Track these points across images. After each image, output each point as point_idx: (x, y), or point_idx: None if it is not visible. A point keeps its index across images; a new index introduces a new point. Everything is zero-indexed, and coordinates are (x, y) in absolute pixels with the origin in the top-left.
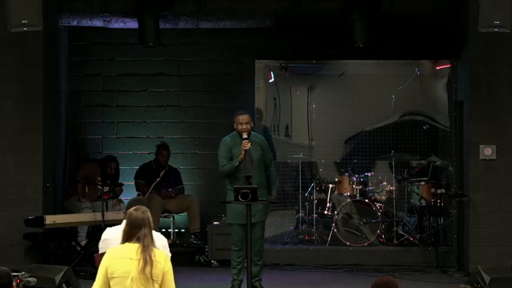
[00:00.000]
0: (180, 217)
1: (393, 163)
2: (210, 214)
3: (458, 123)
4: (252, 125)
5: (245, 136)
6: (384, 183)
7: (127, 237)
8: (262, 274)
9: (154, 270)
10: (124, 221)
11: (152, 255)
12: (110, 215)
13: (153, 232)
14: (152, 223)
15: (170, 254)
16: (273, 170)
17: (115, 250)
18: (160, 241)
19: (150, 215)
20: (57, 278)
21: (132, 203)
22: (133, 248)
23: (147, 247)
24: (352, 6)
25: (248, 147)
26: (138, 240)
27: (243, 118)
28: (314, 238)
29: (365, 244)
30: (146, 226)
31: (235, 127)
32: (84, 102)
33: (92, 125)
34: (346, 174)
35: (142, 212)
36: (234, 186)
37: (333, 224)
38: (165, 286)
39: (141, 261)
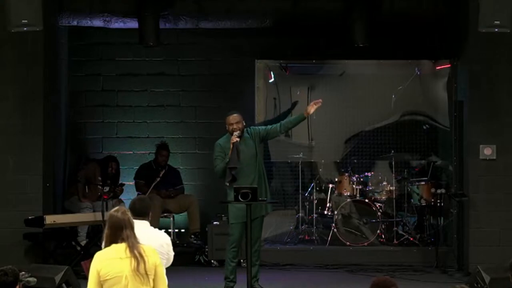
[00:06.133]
0: (180, 217)
1: (393, 163)
2: (210, 214)
3: (458, 123)
4: (244, 124)
5: (235, 134)
6: (384, 183)
7: (111, 240)
8: (260, 274)
9: (147, 266)
10: None
11: (141, 252)
12: None
13: (156, 230)
14: (133, 224)
15: (173, 253)
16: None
17: (103, 253)
18: (163, 239)
19: (130, 216)
20: (57, 278)
21: (136, 201)
22: (121, 248)
23: (132, 246)
24: (352, 6)
25: (235, 140)
26: (123, 240)
27: (233, 118)
28: (314, 238)
29: (365, 244)
30: (127, 227)
31: (227, 128)
32: (84, 102)
33: (92, 125)
34: (346, 174)
35: (122, 213)
36: (234, 186)
37: (333, 224)
38: (157, 279)
39: (133, 259)
